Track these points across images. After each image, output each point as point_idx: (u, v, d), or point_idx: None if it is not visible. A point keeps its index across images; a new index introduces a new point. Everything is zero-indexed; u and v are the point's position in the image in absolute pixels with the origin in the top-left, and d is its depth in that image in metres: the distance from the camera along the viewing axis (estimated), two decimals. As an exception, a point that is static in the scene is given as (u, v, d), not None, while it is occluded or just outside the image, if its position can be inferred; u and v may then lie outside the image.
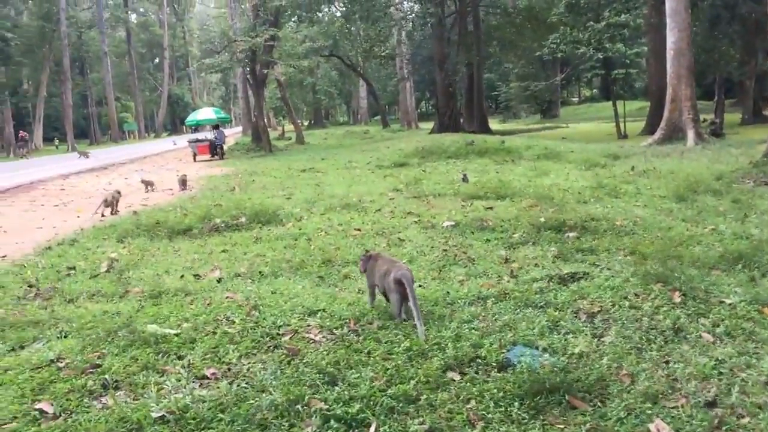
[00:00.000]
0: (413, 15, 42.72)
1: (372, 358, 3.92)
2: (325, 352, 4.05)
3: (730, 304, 4.70)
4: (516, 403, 3.32)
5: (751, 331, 4.24)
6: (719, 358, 3.80)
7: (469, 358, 3.87)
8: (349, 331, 4.43)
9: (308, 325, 4.56)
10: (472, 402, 3.37)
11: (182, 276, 6.50)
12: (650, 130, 26.91)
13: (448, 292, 5.18)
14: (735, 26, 28.38)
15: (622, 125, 28.45)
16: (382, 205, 10.53)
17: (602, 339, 4.15)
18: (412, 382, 3.57)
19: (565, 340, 4.11)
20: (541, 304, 4.79)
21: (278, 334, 4.43)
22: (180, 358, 4.12)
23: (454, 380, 3.63)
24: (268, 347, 4.21)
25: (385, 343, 4.15)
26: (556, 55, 31.86)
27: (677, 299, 4.79)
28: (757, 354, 3.90)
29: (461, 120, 37.20)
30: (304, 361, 3.92)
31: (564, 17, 29.06)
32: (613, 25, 26.27)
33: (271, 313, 4.81)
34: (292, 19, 38.46)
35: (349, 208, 10.34)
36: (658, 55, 27.57)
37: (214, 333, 4.46)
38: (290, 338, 4.34)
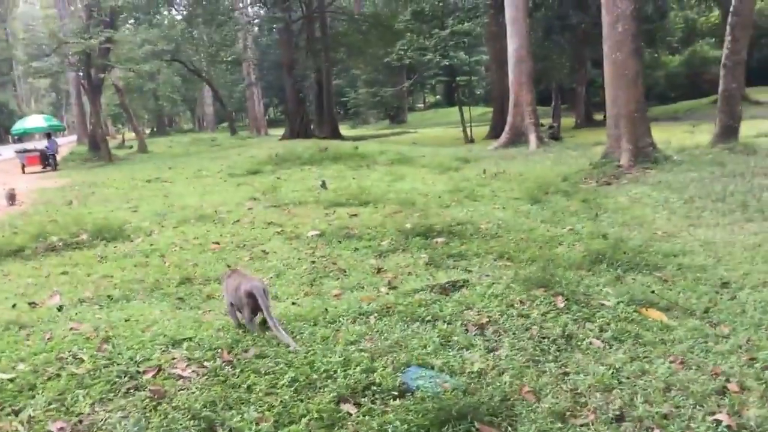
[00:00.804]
0: (259, 20, 41.95)
1: (254, 395, 3.41)
2: (197, 391, 3.47)
3: (610, 307, 4.70)
4: (422, 436, 3.00)
5: (636, 334, 4.23)
6: (616, 366, 3.72)
7: (363, 385, 3.48)
8: (222, 362, 3.83)
9: (174, 359, 3.91)
10: (373, 438, 3.00)
11: (14, 305, 5.62)
12: (494, 134, 28.08)
13: (326, 309, 4.76)
14: (566, 36, 30.25)
15: (468, 130, 29.43)
16: (240, 215, 9.95)
17: (497, 353, 3.94)
18: (304, 420, 3.13)
19: (461, 357, 3.85)
20: (428, 317, 4.51)
21: (138, 372, 3.75)
22: (17, 412, 3.38)
23: (350, 413, 3.23)
24: (128, 390, 3.54)
25: (266, 374, 3.63)
26: (404, 62, 32.47)
27: (561, 304, 4.73)
28: (648, 359, 3.87)
29: (312, 126, 36.88)
30: (173, 404, 3.31)
31: (410, 24, 29.65)
32: (457, 33, 27.13)
33: (128, 346, 4.11)
34: (130, 21, 36.35)
35: (204, 220, 9.67)
36: (499, 62, 28.83)
37: (59, 376, 3.73)
38: (154, 376, 3.69)
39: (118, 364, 3.85)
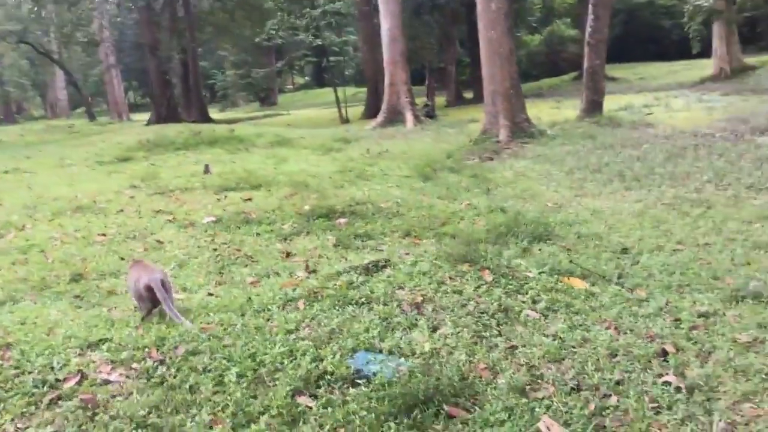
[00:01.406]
0: (116, -2, 39.60)
1: (200, 395, 3.12)
2: (136, 396, 3.13)
3: (534, 278, 4.76)
4: (392, 424, 2.85)
5: (567, 303, 4.31)
6: (560, 336, 3.76)
7: (315, 375, 3.28)
8: (154, 363, 3.48)
9: (94, 362, 3.51)
10: (342, 431, 2.83)
11: None
12: (369, 114, 28.11)
13: (249, 298, 4.50)
14: (435, 15, 30.72)
15: (343, 110, 29.30)
16: (122, 204, 9.28)
17: (441, 331, 3.87)
18: (263, 419, 2.89)
19: (408, 339, 3.74)
20: (362, 300, 4.36)
21: (58, 380, 3.32)
22: None
23: (310, 407, 3.02)
24: (51, 401, 3.12)
25: (207, 371, 3.34)
26: (274, 42, 31.78)
27: (488, 278, 4.74)
28: (585, 326, 3.95)
29: (179, 110, 35.28)
30: (111, 413, 2.95)
31: (281, 3, 28.98)
32: (329, 13, 26.83)
33: (36, 352, 3.65)
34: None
35: (83, 211, 8.92)
36: (370, 42, 28.81)
37: (-37, 393, 3.24)
38: (78, 384, 3.28)
39: (30, 373, 3.41)
